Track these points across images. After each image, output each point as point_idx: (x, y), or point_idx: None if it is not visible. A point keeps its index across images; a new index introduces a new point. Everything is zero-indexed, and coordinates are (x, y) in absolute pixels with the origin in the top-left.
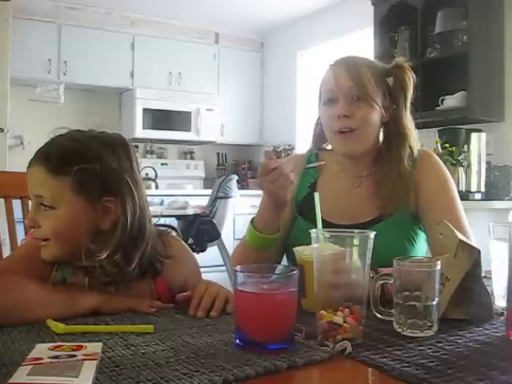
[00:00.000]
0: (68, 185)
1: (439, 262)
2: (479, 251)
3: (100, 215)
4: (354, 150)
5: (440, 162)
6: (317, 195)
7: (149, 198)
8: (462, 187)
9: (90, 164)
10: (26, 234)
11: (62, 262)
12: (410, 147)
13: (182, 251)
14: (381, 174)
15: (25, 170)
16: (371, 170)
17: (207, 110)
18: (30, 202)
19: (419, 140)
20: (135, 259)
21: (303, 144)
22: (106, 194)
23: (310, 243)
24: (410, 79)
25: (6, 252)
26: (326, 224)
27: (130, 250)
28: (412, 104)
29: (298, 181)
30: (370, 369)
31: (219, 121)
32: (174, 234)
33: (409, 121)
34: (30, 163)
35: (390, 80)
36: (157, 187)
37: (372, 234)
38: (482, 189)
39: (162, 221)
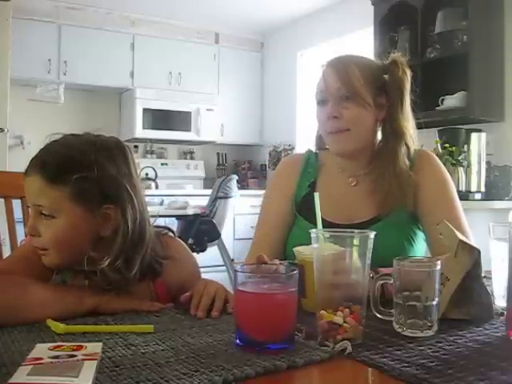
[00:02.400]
0: (66, 194)
1: (439, 262)
2: (479, 251)
3: (100, 222)
4: (345, 150)
5: (439, 162)
6: (317, 195)
7: (149, 198)
8: (462, 187)
9: (88, 172)
10: (25, 234)
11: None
12: (407, 146)
13: (181, 251)
14: (377, 172)
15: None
16: (369, 168)
17: (207, 110)
18: (29, 210)
19: (419, 140)
20: (136, 264)
21: (303, 144)
22: (106, 202)
23: (310, 243)
24: (406, 75)
25: (6, 252)
26: (326, 223)
27: (131, 256)
28: (414, 102)
29: (298, 180)
30: (369, 369)
31: (219, 121)
32: (171, 234)
33: (406, 119)
34: (26, 172)
35: (387, 77)
36: (157, 187)
37: (372, 234)
38: (482, 189)
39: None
